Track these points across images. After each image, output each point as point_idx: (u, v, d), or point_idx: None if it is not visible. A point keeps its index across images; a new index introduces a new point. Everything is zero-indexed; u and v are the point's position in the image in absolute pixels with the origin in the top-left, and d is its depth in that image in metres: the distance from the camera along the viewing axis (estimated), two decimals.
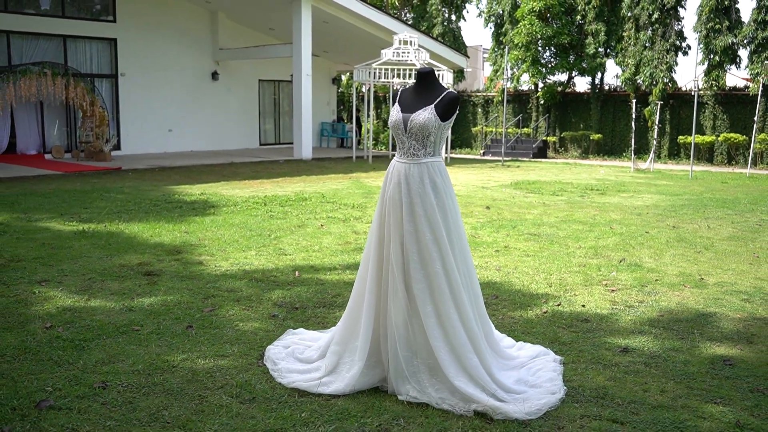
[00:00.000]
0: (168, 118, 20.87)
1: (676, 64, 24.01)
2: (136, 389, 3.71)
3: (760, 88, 19.99)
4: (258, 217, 9.37)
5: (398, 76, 19.68)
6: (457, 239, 3.75)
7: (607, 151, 26.04)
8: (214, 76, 21.78)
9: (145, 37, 20.10)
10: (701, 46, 22.75)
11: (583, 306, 5.54)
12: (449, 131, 3.79)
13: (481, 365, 3.64)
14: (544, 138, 27.48)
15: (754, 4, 21.94)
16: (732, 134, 22.67)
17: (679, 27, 23.85)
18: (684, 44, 24.02)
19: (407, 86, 3.86)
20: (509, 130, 28.15)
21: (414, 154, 3.71)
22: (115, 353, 4.22)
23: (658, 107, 21.88)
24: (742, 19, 22.63)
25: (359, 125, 27.66)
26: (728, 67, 22.98)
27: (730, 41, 22.32)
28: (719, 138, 22.89)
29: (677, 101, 24.19)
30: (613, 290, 6.04)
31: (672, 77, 23.86)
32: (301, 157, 19.58)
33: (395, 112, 3.75)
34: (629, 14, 24.47)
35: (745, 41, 22.22)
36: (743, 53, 22.68)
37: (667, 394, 3.81)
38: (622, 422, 3.45)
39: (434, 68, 19.48)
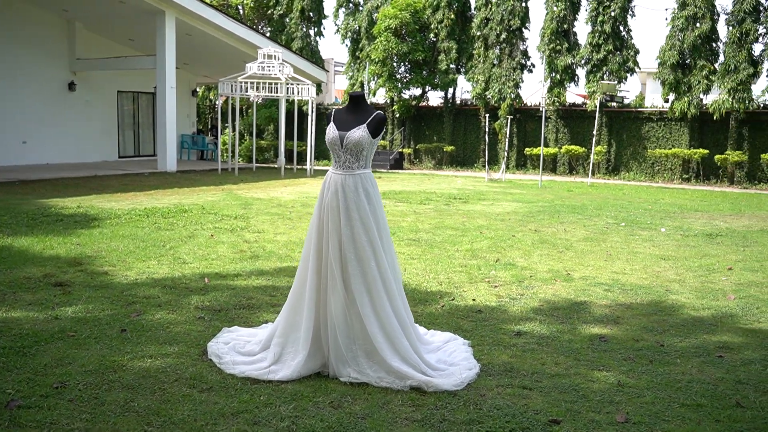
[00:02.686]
0: (22, 130, 19.99)
1: (522, 81, 25.89)
2: (95, 386, 3.97)
3: (598, 105, 22.02)
4: (146, 229, 9.49)
5: (260, 89, 20.01)
6: (386, 239, 4.32)
7: (459, 162, 27.53)
8: (71, 86, 21.12)
9: None
10: (545, 65, 24.70)
11: (474, 300, 6.26)
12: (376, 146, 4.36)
13: (411, 347, 4.22)
14: (400, 150, 28.61)
15: (589, 29, 24.12)
16: (573, 146, 24.73)
17: (524, 47, 25.75)
18: (529, 63, 25.96)
19: (340, 107, 4.38)
20: None
21: (349, 166, 4.25)
22: (60, 357, 4.43)
23: (509, 121, 23.49)
24: (579, 42, 24.81)
25: (217, 138, 27.61)
26: (568, 84, 25.10)
27: (570, 61, 24.40)
28: (561, 150, 24.90)
29: (523, 116, 26.06)
30: (495, 286, 6.82)
31: (518, 93, 25.70)
32: (165, 170, 19.42)
33: (332, 130, 4.27)
34: (479, 34, 26.13)
35: (582, 62, 24.36)
36: (581, 72, 24.84)
37: (560, 366, 4.55)
38: (530, 388, 4.13)
39: (299, 81, 19.97)
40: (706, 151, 22.46)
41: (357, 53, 29.30)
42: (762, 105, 22.22)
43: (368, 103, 4.25)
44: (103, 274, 6.80)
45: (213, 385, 4.05)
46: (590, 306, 6.13)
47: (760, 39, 21.68)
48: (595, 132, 21.67)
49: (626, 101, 24.77)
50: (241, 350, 4.48)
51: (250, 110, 28.65)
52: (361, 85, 29.62)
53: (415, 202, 14.09)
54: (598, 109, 22.05)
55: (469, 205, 13.74)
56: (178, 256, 7.82)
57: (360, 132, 4.20)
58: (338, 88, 49.87)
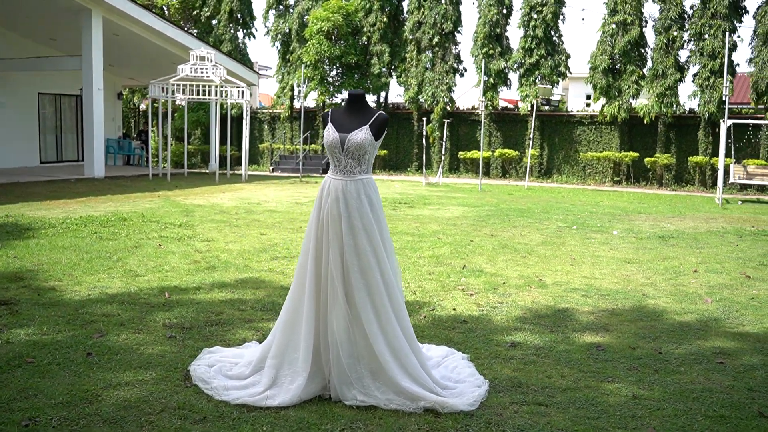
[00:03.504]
0: None
1: (455, 84, 25.94)
2: (72, 422, 3.52)
3: (534, 108, 22.19)
4: (87, 239, 8.87)
5: (193, 92, 19.35)
6: (389, 248, 4.01)
7: (392, 167, 27.36)
8: None
9: None
10: (478, 69, 24.79)
11: (454, 309, 6.01)
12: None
13: (419, 365, 3.92)
14: None
15: (521, 33, 24.36)
16: (506, 150, 24.92)
17: (457, 51, 25.81)
18: (461, 67, 26.02)
19: (338, 107, 4.06)
20: (297, 147, 28.65)
21: (350, 171, 3.92)
22: (23, 387, 3.94)
23: (446, 125, 23.44)
24: (512, 46, 25.02)
25: (146, 142, 26.63)
26: (501, 89, 25.27)
27: (503, 65, 24.57)
28: (495, 153, 25.04)
29: (456, 119, 26.08)
30: (471, 294, 6.58)
31: (451, 97, 25.73)
32: (93, 176, 18.52)
33: (331, 132, 3.93)
34: (411, 37, 26.03)
35: (515, 66, 24.57)
36: (513, 77, 25.07)
37: (567, 378, 4.33)
38: (546, 405, 3.89)
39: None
40: (636, 154, 22.97)
41: (288, 56, 28.79)
42: (688, 110, 22.87)
43: (368, 103, 3.93)
44: (50, 290, 6.24)
45: (206, 414, 3.65)
46: (574, 313, 5.96)
47: (686, 46, 22.32)
48: (531, 136, 21.86)
49: (561, 105, 25.14)
50: (229, 373, 4.09)
51: (176, 114, 27.73)
52: (292, 88, 29.13)
53: None
54: (534, 113, 22.23)
55: (416, 210, 13.53)
56: (129, 268, 7.29)
57: (363, 134, 3.89)
58: (262, 92, 48.97)
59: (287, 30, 28.62)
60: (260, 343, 4.70)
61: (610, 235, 10.61)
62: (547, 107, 24.31)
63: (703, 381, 4.36)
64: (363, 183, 3.93)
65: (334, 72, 28.00)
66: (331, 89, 27.61)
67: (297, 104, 29.27)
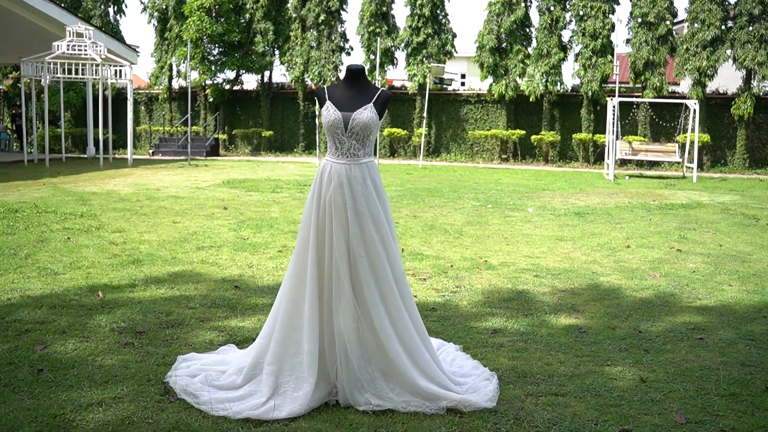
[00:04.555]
0: None
1: (342, 63, 25.56)
2: None
3: (427, 88, 22.20)
4: None
5: (72, 72, 18.05)
6: (394, 236, 3.71)
7: (277, 148, 26.74)
8: None
9: None
10: (364, 48, 24.53)
11: (415, 296, 5.76)
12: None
13: (432, 360, 3.65)
14: (216, 136, 27.26)
15: (408, 11, 24.27)
16: (394, 129, 24.87)
17: (343, 29, 25.43)
18: (347, 45, 25.68)
19: (334, 83, 3.69)
20: (178, 129, 27.46)
21: (354, 154, 3.58)
22: None
23: None
24: (398, 25, 24.91)
25: (21, 127, 24.64)
26: (388, 68, 25.14)
27: (389, 44, 24.43)
28: (384, 132, 24.95)
29: None
30: (423, 278, 6.37)
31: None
32: None
33: (333, 111, 3.56)
34: (296, 15, 25.40)
35: (401, 45, 24.49)
36: (400, 55, 24.98)
37: (567, 365, 4.20)
38: (562, 395, 3.73)
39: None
40: (523, 132, 23.52)
41: (166, 34, 27.39)
42: (571, 88, 23.62)
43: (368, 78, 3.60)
44: None
45: None
46: (536, 295, 5.86)
47: (568, 26, 22.99)
48: (424, 114, 21.90)
49: (454, 84, 25.34)
50: (217, 383, 3.66)
51: (42, 95, 25.81)
52: (171, 67, 27.80)
53: (266, 190, 13.29)
54: (427, 92, 22.21)
55: None
56: (43, 265, 6.57)
57: (368, 113, 3.54)
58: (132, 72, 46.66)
59: (164, 6, 27.21)
60: (236, 345, 4.29)
61: (527, 212, 10.71)
62: (436, 85, 24.43)
63: (695, 359, 4.35)
64: (368, 167, 3.60)
65: (216, 51, 26.92)
66: (213, 68, 26.56)
67: (175, 84, 28.01)
